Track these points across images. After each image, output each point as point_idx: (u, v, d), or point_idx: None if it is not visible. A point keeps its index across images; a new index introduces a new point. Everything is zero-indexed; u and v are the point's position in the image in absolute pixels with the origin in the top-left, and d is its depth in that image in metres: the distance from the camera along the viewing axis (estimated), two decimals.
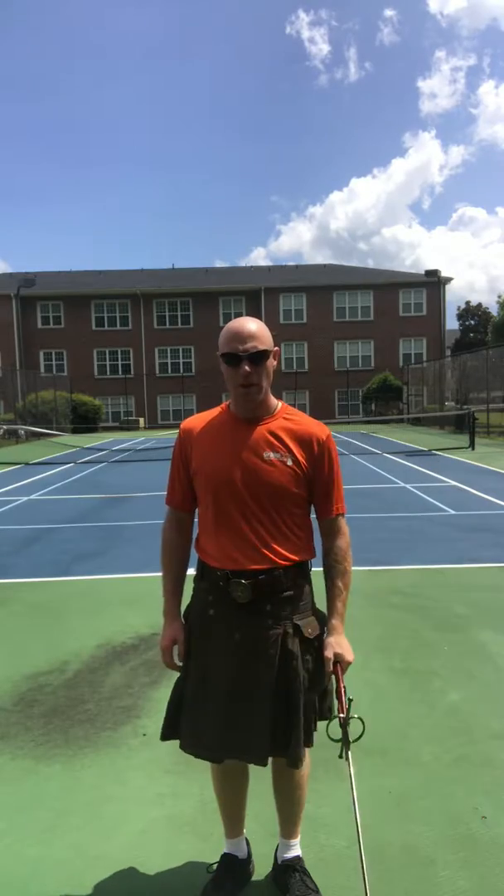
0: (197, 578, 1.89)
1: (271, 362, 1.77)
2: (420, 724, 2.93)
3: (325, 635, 1.82)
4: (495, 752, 2.69)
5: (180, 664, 1.87)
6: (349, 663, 1.78)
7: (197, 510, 1.91)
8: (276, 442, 1.78)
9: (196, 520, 1.93)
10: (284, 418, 1.83)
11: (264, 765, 1.80)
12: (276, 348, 1.80)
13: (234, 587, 1.75)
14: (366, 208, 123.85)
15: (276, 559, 1.77)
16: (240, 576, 1.75)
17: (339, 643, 1.78)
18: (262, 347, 1.72)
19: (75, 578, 5.52)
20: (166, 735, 1.88)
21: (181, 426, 1.89)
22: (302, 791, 1.97)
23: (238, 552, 1.76)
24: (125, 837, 2.21)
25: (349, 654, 1.78)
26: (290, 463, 1.77)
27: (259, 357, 1.72)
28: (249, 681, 1.75)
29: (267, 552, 1.76)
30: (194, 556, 1.92)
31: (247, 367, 1.71)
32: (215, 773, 1.97)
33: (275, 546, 1.77)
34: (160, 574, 1.95)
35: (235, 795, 1.99)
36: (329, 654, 1.77)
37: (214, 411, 1.89)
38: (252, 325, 1.74)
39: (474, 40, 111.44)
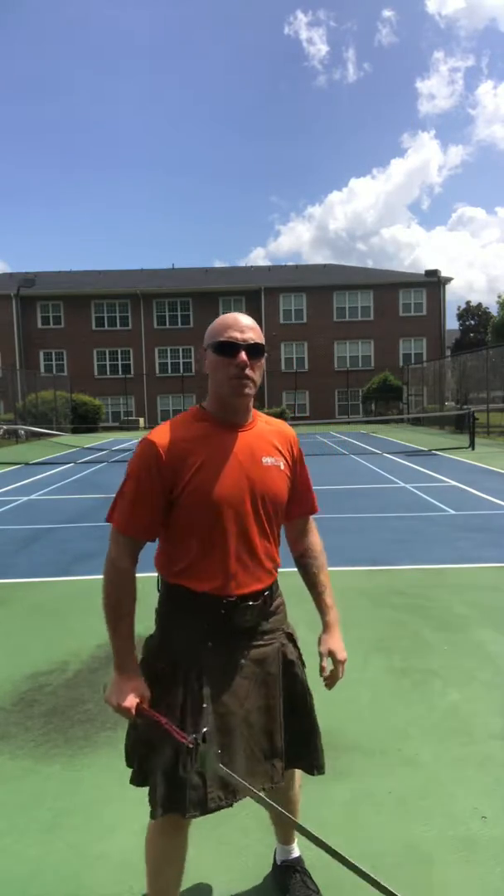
0: (175, 613, 1.63)
1: (262, 364, 1.66)
2: (420, 724, 2.93)
3: (321, 632, 1.79)
4: (495, 752, 2.69)
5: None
6: (344, 660, 1.76)
7: (176, 536, 1.61)
8: (267, 446, 1.68)
9: (169, 546, 1.64)
10: (264, 422, 1.74)
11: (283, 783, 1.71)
12: (267, 354, 1.70)
13: (241, 613, 1.61)
14: (365, 208, 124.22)
15: (273, 571, 1.70)
16: (246, 598, 1.61)
17: (335, 639, 1.77)
18: (260, 342, 1.63)
19: (75, 578, 5.52)
20: (170, 808, 1.54)
21: (151, 442, 1.58)
22: (298, 804, 1.92)
23: (243, 573, 1.61)
24: (125, 837, 2.21)
25: (343, 652, 1.77)
26: (282, 467, 1.70)
27: (257, 350, 1.61)
28: (264, 704, 1.66)
29: (270, 565, 1.68)
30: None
31: (244, 357, 1.58)
32: (169, 840, 1.66)
33: (274, 557, 1.70)
34: (106, 613, 1.60)
35: (181, 873, 1.73)
36: (324, 649, 1.74)
37: (184, 418, 1.66)
38: (249, 319, 1.65)
39: (473, 41, 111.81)
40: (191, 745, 1.47)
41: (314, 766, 1.77)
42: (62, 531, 7.60)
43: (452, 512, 8.17)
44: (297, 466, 1.76)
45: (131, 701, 1.53)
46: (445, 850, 2.11)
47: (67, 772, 2.63)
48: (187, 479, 1.56)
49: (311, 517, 1.86)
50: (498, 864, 2.05)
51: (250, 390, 1.61)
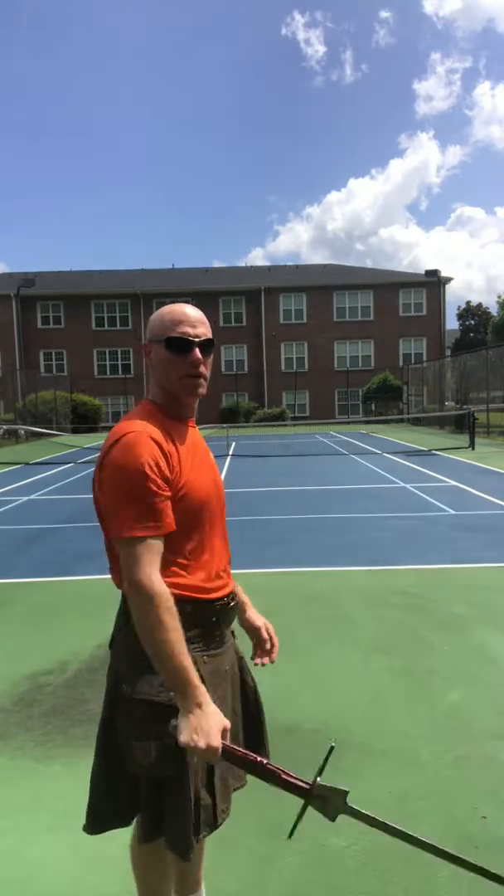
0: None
1: (211, 359, 1.58)
2: (420, 724, 2.93)
3: (245, 612, 1.75)
4: (495, 752, 2.69)
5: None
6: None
7: (167, 541, 1.44)
8: (204, 442, 1.65)
9: (168, 554, 1.44)
10: None
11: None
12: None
13: (228, 615, 1.58)
14: (363, 209, 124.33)
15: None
16: (231, 598, 1.59)
17: (258, 613, 1.75)
18: (211, 336, 1.55)
19: (75, 578, 5.52)
20: (196, 840, 1.47)
21: (148, 435, 1.41)
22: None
23: (224, 571, 1.58)
24: (125, 837, 2.20)
25: (269, 623, 1.76)
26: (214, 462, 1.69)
27: (210, 347, 1.53)
28: (234, 705, 1.63)
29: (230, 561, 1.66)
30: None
31: (198, 354, 1.50)
32: (159, 859, 1.65)
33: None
34: (166, 640, 1.32)
35: (170, 882, 1.75)
36: (260, 622, 1.72)
37: (148, 413, 1.51)
38: (198, 311, 1.55)
39: (470, 42, 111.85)
40: (309, 788, 1.32)
41: (264, 755, 1.70)
42: (62, 531, 7.60)
43: (452, 512, 8.17)
44: None
45: (219, 739, 1.32)
46: None
47: (68, 772, 2.63)
48: (180, 478, 1.45)
49: None
50: (498, 864, 2.04)
51: (203, 389, 1.54)
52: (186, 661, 1.33)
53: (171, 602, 1.35)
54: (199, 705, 1.32)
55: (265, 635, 1.72)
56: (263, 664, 1.72)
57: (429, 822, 2.25)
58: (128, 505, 1.37)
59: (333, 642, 3.88)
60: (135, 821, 1.62)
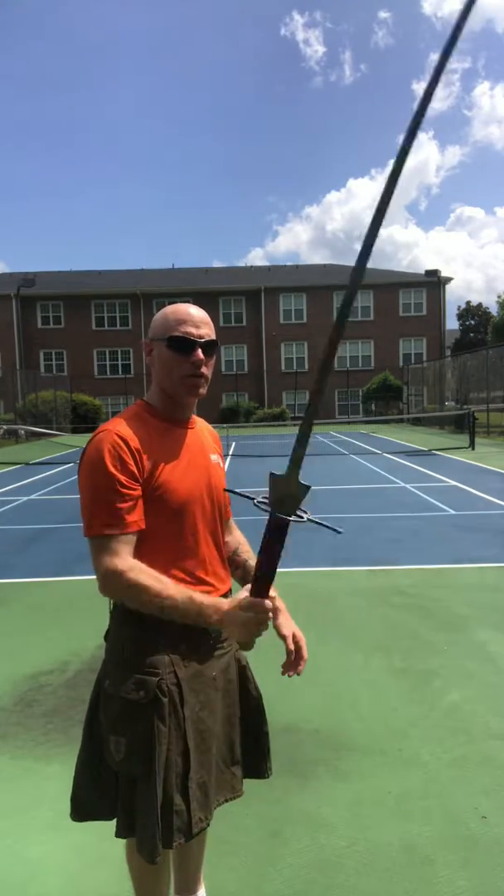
0: (145, 633, 1.46)
1: (214, 360, 1.57)
2: (420, 724, 2.93)
3: (275, 618, 1.68)
4: (495, 752, 2.69)
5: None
6: (304, 640, 1.68)
7: (142, 544, 1.45)
8: (209, 443, 1.65)
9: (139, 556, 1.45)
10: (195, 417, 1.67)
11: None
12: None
13: None
14: (362, 209, 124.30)
15: (227, 572, 1.65)
16: None
17: (292, 621, 1.68)
18: (214, 337, 1.54)
19: (75, 578, 5.52)
20: (168, 844, 1.45)
21: (115, 432, 1.43)
22: (204, 846, 1.84)
23: (213, 576, 1.56)
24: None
25: (301, 633, 1.68)
26: (221, 464, 1.66)
27: (212, 347, 1.52)
28: (226, 713, 1.60)
29: (226, 566, 1.64)
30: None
31: (200, 354, 1.49)
32: (157, 873, 1.67)
33: (225, 557, 1.66)
34: (158, 596, 1.37)
35: (166, 882, 1.75)
36: (288, 632, 1.63)
37: (136, 414, 1.53)
38: (202, 312, 1.54)
39: (469, 42, 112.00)
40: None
41: (265, 768, 1.71)
42: (62, 531, 7.60)
43: (452, 512, 8.17)
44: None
45: (262, 607, 1.33)
46: (445, 850, 2.11)
47: (68, 772, 2.61)
48: (156, 479, 1.45)
49: None
50: (498, 864, 2.05)
51: (204, 389, 1.54)
52: (184, 594, 1.38)
53: (142, 566, 1.39)
54: (221, 614, 1.38)
55: (290, 646, 1.61)
56: (289, 676, 1.61)
57: (429, 822, 2.25)
58: (93, 504, 1.42)
59: (333, 642, 3.88)
60: None
